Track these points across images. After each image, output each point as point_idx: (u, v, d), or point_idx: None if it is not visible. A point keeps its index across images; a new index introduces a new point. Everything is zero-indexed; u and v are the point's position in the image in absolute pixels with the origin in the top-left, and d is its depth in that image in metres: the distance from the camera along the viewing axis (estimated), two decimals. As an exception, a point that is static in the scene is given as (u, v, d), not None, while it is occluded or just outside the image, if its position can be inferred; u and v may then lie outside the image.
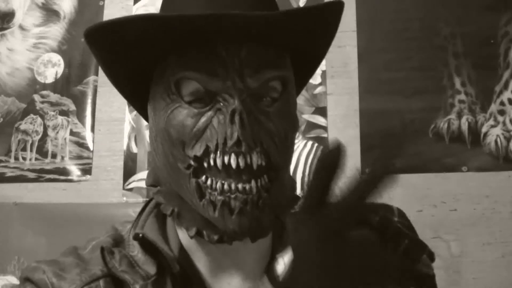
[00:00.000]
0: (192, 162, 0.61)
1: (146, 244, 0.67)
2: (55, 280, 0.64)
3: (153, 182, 0.69)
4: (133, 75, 0.67)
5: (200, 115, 0.61)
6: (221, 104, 0.60)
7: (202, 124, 0.61)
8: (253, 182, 0.59)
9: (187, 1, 0.64)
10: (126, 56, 0.64)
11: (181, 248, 0.68)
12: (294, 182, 0.72)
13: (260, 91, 0.62)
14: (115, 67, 0.67)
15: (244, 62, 0.60)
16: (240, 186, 0.59)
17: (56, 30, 1.97)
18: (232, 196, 0.59)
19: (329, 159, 0.49)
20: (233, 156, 0.59)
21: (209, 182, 0.60)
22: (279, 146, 0.62)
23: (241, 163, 0.59)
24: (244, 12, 0.59)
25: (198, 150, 0.60)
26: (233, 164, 0.59)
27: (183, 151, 0.62)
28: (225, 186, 0.59)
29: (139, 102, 0.72)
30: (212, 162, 0.60)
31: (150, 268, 0.65)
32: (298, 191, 0.76)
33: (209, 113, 0.61)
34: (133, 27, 0.60)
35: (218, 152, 0.59)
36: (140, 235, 0.67)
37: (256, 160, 0.59)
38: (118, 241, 0.70)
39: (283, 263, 0.56)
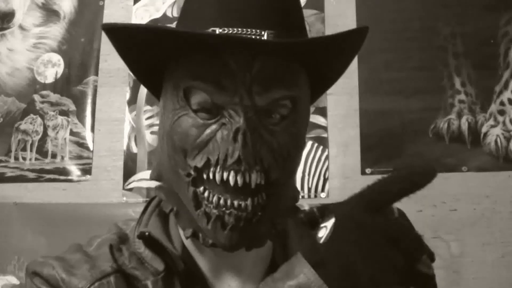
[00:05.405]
0: (192, 172, 0.61)
1: (151, 243, 0.67)
2: (65, 276, 0.64)
3: (156, 176, 0.70)
4: (148, 66, 0.68)
5: (204, 127, 0.61)
6: (227, 119, 0.60)
7: (206, 136, 0.60)
8: (249, 200, 0.60)
9: (201, 11, 0.64)
10: (140, 52, 0.65)
11: (184, 246, 0.69)
12: (297, 192, 0.72)
13: (268, 108, 0.61)
14: (131, 57, 0.67)
15: (254, 78, 0.60)
16: (236, 202, 0.59)
17: (56, 30, 1.97)
18: (227, 211, 0.60)
19: (417, 180, 0.56)
20: (232, 173, 0.59)
21: (206, 194, 0.61)
22: (279, 163, 0.61)
23: (240, 181, 0.59)
24: (264, 39, 0.60)
25: (199, 162, 0.61)
26: (232, 182, 0.59)
27: (184, 159, 0.62)
28: (221, 201, 0.60)
29: (153, 87, 0.72)
30: (211, 176, 0.60)
31: (158, 265, 0.66)
32: (299, 192, 0.76)
33: (214, 126, 0.60)
34: (146, 37, 0.62)
35: (218, 167, 0.59)
36: (146, 233, 0.67)
37: (255, 179, 0.59)
38: (123, 238, 0.71)
39: (325, 228, 0.55)
